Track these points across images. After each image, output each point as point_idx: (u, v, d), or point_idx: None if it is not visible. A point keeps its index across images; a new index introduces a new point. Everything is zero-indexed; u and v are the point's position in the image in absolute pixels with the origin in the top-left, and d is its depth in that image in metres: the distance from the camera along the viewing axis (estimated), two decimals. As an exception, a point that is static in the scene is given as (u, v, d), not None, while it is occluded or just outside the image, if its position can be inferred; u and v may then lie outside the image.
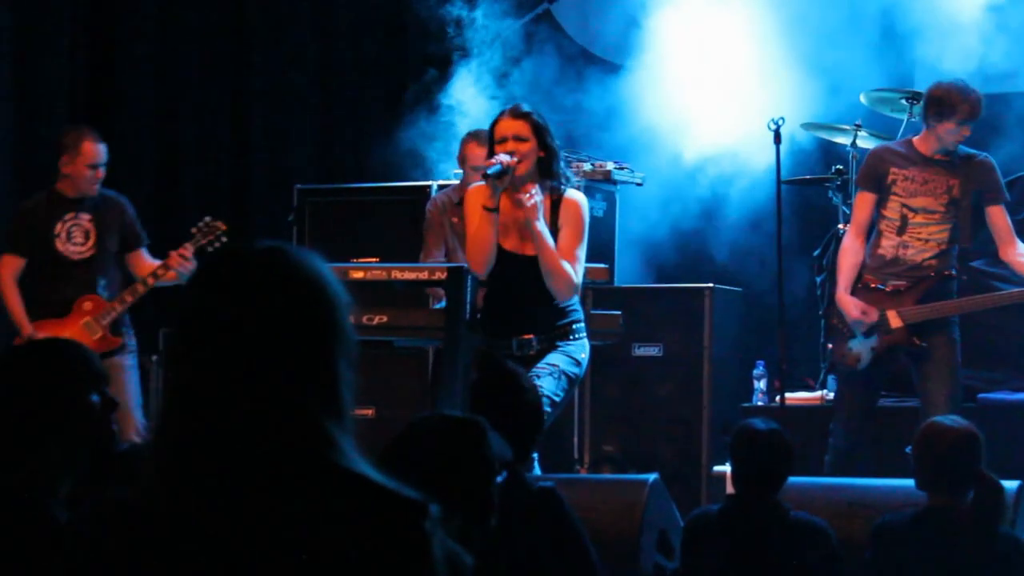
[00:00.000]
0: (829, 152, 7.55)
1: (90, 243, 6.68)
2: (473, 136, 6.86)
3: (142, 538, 1.74)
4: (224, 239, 6.65)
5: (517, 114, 5.40)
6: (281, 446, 1.73)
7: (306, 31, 8.85)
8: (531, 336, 5.37)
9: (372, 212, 7.64)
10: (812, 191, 7.53)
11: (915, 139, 6.15)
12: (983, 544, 4.20)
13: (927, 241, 6.09)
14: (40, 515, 2.68)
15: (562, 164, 5.46)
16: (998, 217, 6.10)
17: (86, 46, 8.65)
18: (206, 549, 1.72)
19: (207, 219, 6.75)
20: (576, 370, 5.39)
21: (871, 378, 6.20)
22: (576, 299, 5.48)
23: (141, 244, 6.83)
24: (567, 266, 5.32)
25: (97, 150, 6.67)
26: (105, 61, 8.79)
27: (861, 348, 6.12)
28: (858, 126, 7.13)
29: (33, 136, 8.21)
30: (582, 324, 5.45)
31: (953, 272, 6.13)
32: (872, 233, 6.18)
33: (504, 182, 5.33)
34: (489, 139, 5.46)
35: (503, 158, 5.30)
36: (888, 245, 6.10)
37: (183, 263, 6.60)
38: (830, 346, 6.32)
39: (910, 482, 4.89)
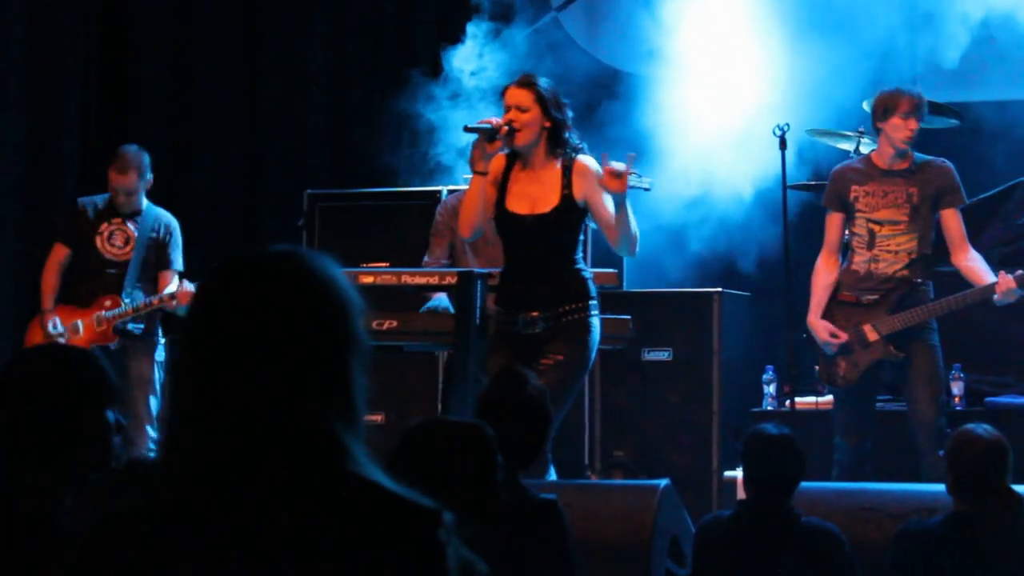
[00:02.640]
0: (835, 158, 7.54)
1: (128, 248, 6.98)
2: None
3: (149, 548, 1.72)
4: None
5: (521, 83, 5.40)
6: (294, 453, 1.71)
7: (318, 36, 8.84)
8: (536, 314, 5.36)
9: (382, 217, 7.64)
10: (818, 196, 7.53)
11: (872, 154, 6.28)
12: (1008, 551, 4.21)
13: (896, 253, 6.16)
14: (45, 524, 2.66)
15: (572, 135, 5.42)
16: (951, 220, 6.16)
17: (99, 55, 8.66)
18: (217, 558, 1.70)
19: None
20: (584, 356, 5.39)
21: (862, 391, 6.24)
22: (586, 270, 5.48)
23: (168, 267, 7.06)
24: (634, 226, 5.37)
25: (117, 179, 6.97)
26: (117, 67, 8.80)
27: (846, 365, 6.18)
28: (861, 132, 7.15)
29: (45, 146, 8.23)
30: (591, 301, 5.42)
31: (924, 280, 6.18)
32: (846, 251, 6.26)
33: (495, 147, 5.30)
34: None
35: (494, 120, 5.29)
36: (860, 261, 6.19)
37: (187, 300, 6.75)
38: (817, 367, 6.37)
39: (922, 486, 4.91)
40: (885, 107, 6.13)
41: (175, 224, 7.12)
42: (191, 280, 6.92)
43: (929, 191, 6.14)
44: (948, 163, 6.24)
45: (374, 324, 5.87)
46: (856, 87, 7.38)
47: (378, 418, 7.04)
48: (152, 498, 1.75)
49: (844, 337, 6.16)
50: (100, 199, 7.10)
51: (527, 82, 5.39)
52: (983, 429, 4.34)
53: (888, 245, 6.17)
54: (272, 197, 8.71)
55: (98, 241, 7.00)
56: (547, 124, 5.34)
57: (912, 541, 4.29)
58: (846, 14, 7.53)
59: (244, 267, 1.77)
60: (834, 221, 6.28)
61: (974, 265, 6.16)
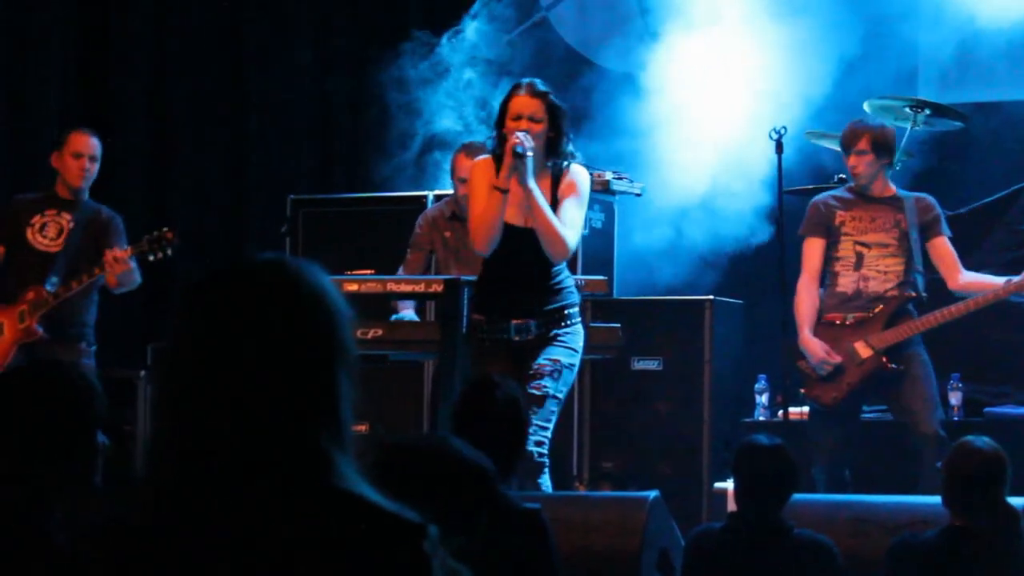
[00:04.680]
0: (832, 161, 7.46)
1: (60, 239, 6.64)
2: (464, 148, 6.81)
3: (136, 561, 1.71)
4: (170, 251, 6.48)
5: (534, 92, 5.35)
6: (280, 466, 1.70)
7: (303, 39, 8.78)
8: (529, 320, 5.31)
9: (367, 223, 7.58)
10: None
11: (849, 186, 6.38)
12: (1003, 567, 4.17)
13: (886, 273, 6.21)
14: (37, 535, 2.68)
15: (568, 144, 5.38)
16: (942, 248, 6.25)
17: (78, 56, 8.60)
18: (201, 573, 1.69)
19: (163, 230, 6.56)
20: (574, 359, 5.42)
21: (848, 412, 6.24)
22: (570, 278, 5.47)
23: (112, 248, 6.63)
24: (559, 226, 5.28)
25: (83, 140, 6.63)
26: (98, 69, 8.73)
27: (836, 385, 6.18)
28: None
29: (21, 149, 8.15)
30: (576, 308, 5.45)
31: (913, 294, 6.22)
32: (825, 278, 6.31)
33: (524, 164, 5.26)
34: (500, 111, 5.40)
35: (528, 143, 5.26)
36: (846, 282, 6.24)
37: (115, 265, 6.46)
38: (803, 390, 6.35)
39: (917, 499, 4.85)
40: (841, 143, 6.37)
41: (120, 219, 6.78)
42: (171, 292, 6.73)
43: (915, 221, 6.23)
44: (930, 197, 6.34)
45: (359, 333, 5.78)
46: (856, 88, 7.32)
47: (362, 428, 6.95)
48: (137, 512, 1.74)
49: (838, 359, 6.18)
50: (38, 194, 6.80)
51: (539, 91, 5.35)
52: (983, 442, 4.32)
53: (877, 265, 6.23)
54: (255, 203, 8.63)
55: (29, 233, 6.65)
56: (551, 135, 5.33)
57: (906, 555, 4.26)
58: (846, 14, 7.47)
59: (229, 276, 1.75)
60: (815, 247, 6.32)
61: (973, 279, 6.22)
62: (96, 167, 6.68)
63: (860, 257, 6.22)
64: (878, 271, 6.20)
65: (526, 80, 5.45)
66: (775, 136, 6.62)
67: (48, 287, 6.55)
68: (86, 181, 6.66)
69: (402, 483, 2.76)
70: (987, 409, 6.92)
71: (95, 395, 2.89)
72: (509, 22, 7.99)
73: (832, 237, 6.28)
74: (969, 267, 6.44)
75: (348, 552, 1.67)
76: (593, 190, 7.49)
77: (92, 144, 6.64)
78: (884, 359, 6.12)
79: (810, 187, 7.35)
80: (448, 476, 2.86)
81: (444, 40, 7.75)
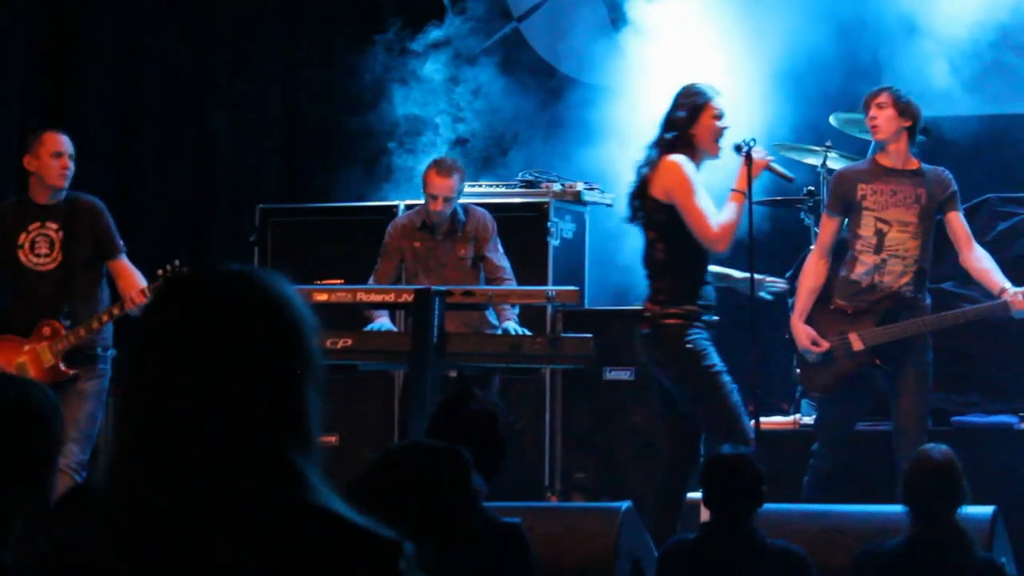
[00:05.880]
0: (801, 174, 7.48)
1: (54, 254, 6.36)
2: (435, 164, 6.79)
3: None
4: None
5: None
6: (246, 481, 1.67)
7: (272, 46, 8.74)
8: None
9: (337, 232, 7.54)
10: (783, 212, 7.48)
11: (876, 155, 6.31)
12: (965, 573, 4.19)
13: (904, 259, 6.12)
14: None
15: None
16: (956, 221, 6.22)
17: (43, 65, 8.52)
18: None
19: (176, 263, 6.39)
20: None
21: (849, 400, 6.19)
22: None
23: (118, 252, 6.44)
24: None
25: (59, 138, 6.40)
26: (63, 77, 8.66)
27: (828, 373, 6.15)
28: (828, 147, 7.14)
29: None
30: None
31: (919, 296, 6.16)
32: (845, 256, 6.23)
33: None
34: (696, 111, 5.71)
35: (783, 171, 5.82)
36: (861, 271, 6.15)
37: (136, 302, 6.25)
38: (798, 370, 6.34)
39: (888, 508, 4.85)
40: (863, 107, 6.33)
41: (101, 203, 6.50)
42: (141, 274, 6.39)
43: (936, 194, 6.19)
44: (947, 172, 6.31)
45: (328, 343, 5.79)
46: (823, 101, 7.33)
47: (332, 439, 6.91)
48: (96, 530, 1.69)
49: (826, 345, 6.14)
50: (10, 204, 6.42)
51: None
52: (939, 451, 4.34)
53: (897, 249, 6.13)
54: (224, 212, 8.57)
55: (21, 255, 6.34)
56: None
57: (870, 564, 4.28)
58: (815, 26, 7.49)
59: (193, 287, 1.72)
60: (829, 224, 6.29)
61: (984, 266, 6.19)
62: (73, 165, 6.43)
63: (881, 237, 6.14)
64: (896, 256, 6.11)
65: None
66: (744, 148, 6.63)
67: (65, 321, 6.29)
68: (68, 180, 6.39)
69: (374, 494, 2.75)
70: (954, 418, 6.91)
71: (56, 414, 2.81)
72: (479, 32, 7.98)
73: (853, 212, 6.20)
74: (934, 280, 6.43)
75: (320, 570, 1.64)
76: (564, 200, 7.54)
77: (68, 142, 6.42)
78: (875, 358, 6.06)
79: (778, 198, 7.37)
80: (420, 481, 2.84)
81: (415, 49, 7.73)
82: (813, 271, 6.25)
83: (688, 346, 5.54)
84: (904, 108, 6.20)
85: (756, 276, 6.07)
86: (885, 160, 6.22)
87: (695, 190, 5.62)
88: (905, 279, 6.11)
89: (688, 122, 5.69)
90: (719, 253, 5.73)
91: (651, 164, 5.69)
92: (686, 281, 5.61)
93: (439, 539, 2.56)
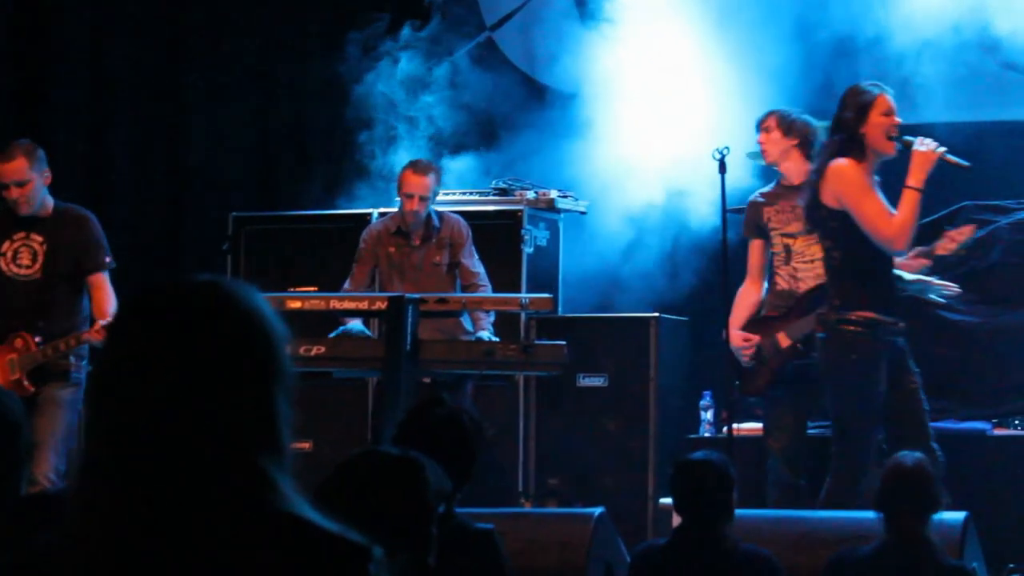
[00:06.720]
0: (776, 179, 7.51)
1: (36, 266, 6.27)
2: (411, 165, 6.80)
3: None
4: None
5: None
6: (216, 489, 1.65)
7: (245, 53, 8.72)
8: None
9: (310, 240, 7.53)
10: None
11: (779, 179, 6.48)
12: None
13: (813, 261, 6.19)
14: None
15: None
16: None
17: (12, 70, 8.49)
18: None
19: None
20: None
21: (793, 400, 6.21)
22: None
23: (99, 269, 6.27)
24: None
25: (5, 169, 6.20)
26: (34, 82, 8.62)
27: (762, 372, 6.23)
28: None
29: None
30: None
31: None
32: (771, 277, 6.40)
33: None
34: (865, 109, 5.56)
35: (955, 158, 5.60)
36: (781, 280, 6.34)
37: (103, 334, 6.17)
38: (737, 382, 6.37)
39: (859, 513, 4.86)
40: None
41: (91, 216, 6.42)
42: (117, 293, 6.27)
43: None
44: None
45: (302, 350, 5.78)
46: (798, 108, 7.35)
47: (306, 446, 6.90)
48: (64, 539, 1.67)
49: (756, 339, 6.23)
50: None
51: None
52: (911, 459, 4.36)
53: (804, 255, 6.26)
54: (195, 220, 8.53)
55: (3, 264, 6.28)
56: None
57: (843, 570, 4.29)
58: (790, 34, 7.52)
59: (160, 297, 1.72)
60: (752, 248, 6.43)
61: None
62: (37, 174, 6.25)
63: (788, 250, 6.29)
64: (805, 261, 6.23)
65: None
66: (718, 156, 6.65)
67: (37, 337, 6.19)
68: (31, 204, 6.25)
69: (343, 500, 2.75)
70: (927, 425, 6.95)
71: (26, 421, 2.82)
72: (453, 40, 7.99)
73: (765, 235, 6.37)
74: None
75: (290, 575, 1.64)
76: (538, 208, 7.55)
77: (14, 170, 6.19)
78: (796, 345, 6.13)
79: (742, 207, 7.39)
80: (387, 488, 2.84)
81: (388, 54, 7.73)
82: (744, 293, 6.38)
83: (853, 356, 5.46)
84: (789, 127, 6.33)
85: (925, 278, 5.98)
86: (785, 180, 6.38)
87: (866, 191, 5.47)
88: (821, 280, 6.09)
89: (857, 122, 5.53)
90: (897, 253, 5.59)
91: (819, 171, 5.57)
92: (864, 287, 5.50)
93: (394, 547, 2.55)
